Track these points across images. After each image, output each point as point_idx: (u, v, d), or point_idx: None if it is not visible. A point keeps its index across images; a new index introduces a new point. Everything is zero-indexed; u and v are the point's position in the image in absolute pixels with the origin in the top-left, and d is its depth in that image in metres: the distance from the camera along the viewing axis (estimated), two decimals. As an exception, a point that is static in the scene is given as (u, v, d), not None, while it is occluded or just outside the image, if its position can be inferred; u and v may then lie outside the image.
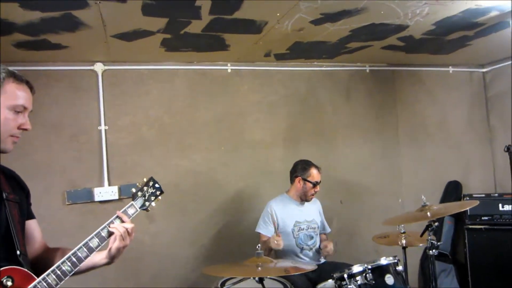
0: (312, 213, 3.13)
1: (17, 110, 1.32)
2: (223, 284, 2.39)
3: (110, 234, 1.49)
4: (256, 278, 2.22)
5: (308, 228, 3.05)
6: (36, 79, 2.96)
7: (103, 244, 1.48)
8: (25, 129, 1.35)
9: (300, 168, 3.05)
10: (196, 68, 3.45)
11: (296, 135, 3.72)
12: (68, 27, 2.47)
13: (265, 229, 2.95)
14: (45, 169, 3.00)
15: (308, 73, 3.80)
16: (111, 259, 1.51)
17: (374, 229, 3.15)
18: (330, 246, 2.99)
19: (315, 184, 3.00)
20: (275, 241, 2.70)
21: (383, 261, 2.38)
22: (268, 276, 2.38)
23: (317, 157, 3.18)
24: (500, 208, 3.67)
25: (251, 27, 2.68)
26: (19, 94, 1.32)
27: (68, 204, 3.05)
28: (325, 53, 3.49)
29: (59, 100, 3.10)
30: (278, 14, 2.50)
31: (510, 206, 3.57)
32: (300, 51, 3.34)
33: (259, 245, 2.34)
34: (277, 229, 2.93)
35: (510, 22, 2.75)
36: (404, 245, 2.84)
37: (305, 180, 3.00)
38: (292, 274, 2.47)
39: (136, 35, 2.69)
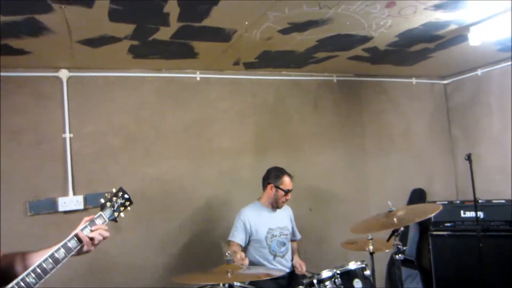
0: (284, 219, 3.14)
1: None
2: None
3: (80, 241, 1.47)
4: (226, 285, 2.22)
5: (280, 234, 3.06)
6: (1, 86, 2.88)
7: (69, 256, 1.44)
8: None
9: (273, 175, 3.06)
10: (164, 75, 3.42)
11: (265, 143, 3.74)
12: (31, 32, 2.40)
13: (236, 237, 2.93)
14: (6, 178, 2.88)
15: (276, 82, 3.85)
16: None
17: (342, 236, 3.19)
18: (303, 268, 3.01)
19: (287, 192, 3.02)
20: (240, 261, 2.67)
21: (352, 265, 2.43)
22: (239, 283, 2.38)
23: (285, 165, 3.19)
24: (462, 215, 3.80)
25: (220, 35, 2.69)
26: None
27: (30, 215, 2.92)
28: (293, 62, 3.55)
29: (21, 107, 2.99)
30: (246, 23, 2.53)
31: (471, 212, 3.69)
32: (269, 60, 3.38)
33: (229, 252, 2.33)
34: (249, 242, 2.94)
35: (468, 36, 2.88)
36: (371, 250, 2.90)
37: (277, 187, 3.02)
38: (262, 279, 2.48)
39: (103, 41, 2.64)
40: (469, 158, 3.39)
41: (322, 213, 3.89)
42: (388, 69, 4.02)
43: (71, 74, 3.12)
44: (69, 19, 2.26)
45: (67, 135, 3.08)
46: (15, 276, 1.33)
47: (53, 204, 2.99)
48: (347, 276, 2.38)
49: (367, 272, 2.44)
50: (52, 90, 3.08)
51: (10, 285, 1.29)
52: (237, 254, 2.74)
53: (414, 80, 4.48)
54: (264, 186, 3.11)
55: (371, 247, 2.89)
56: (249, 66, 3.55)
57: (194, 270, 2.82)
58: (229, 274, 2.15)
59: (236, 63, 3.43)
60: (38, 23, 2.28)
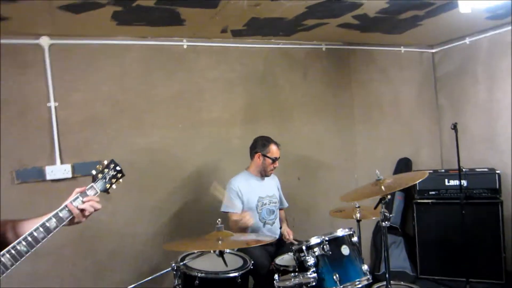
0: (272, 188, 3.19)
1: None
2: (182, 259, 2.39)
3: (71, 212, 1.48)
4: (217, 252, 2.25)
5: (270, 202, 3.11)
6: None
7: (61, 226, 1.45)
8: None
9: (260, 144, 3.08)
10: (150, 43, 3.34)
11: (254, 112, 3.72)
12: (9, -3, 2.30)
13: (233, 207, 2.95)
14: None
15: (265, 50, 3.79)
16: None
17: (330, 204, 3.26)
18: (291, 236, 3.07)
19: (274, 160, 3.04)
20: (246, 219, 2.74)
21: (340, 232, 2.45)
22: (228, 250, 2.41)
23: (274, 135, 3.21)
24: (446, 183, 3.89)
25: (207, 0, 2.62)
26: None
27: (17, 184, 2.89)
28: (281, 30, 3.48)
29: (3, 76, 2.88)
30: (234, -13, 2.46)
31: (455, 181, 3.78)
32: (257, 27, 3.31)
33: (219, 219, 2.35)
34: (242, 207, 2.98)
35: (458, 2, 2.85)
36: (358, 218, 2.97)
37: (264, 156, 3.04)
38: (252, 246, 2.52)
39: (85, 6, 2.54)
40: (455, 127, 3.43)
41: (311, 182, 3.94)
42: (377, 37, 3.98)
43: (53, 41, 3.01)
44: (48, -18, 2.17)
45: (52, 103, 3.00)
46: (6, 244, 1.33)
47: (41, 172, 2.95)
48: (335, 242, 2.41)
49: (354, 239, 2.49)
50: (34, 58, 2.98)
51: (2, 252, 1.30)
52: (244, 214, 2.80)
53: (402, 49, 4.46)
54: (252, 155, 3.12)
55: (358, 215, 2.97)
56: (237, 34, 3.48)
57: (185, 238, 2.85)
58: (219, 242, 2.18)
59: (224, 31, 3.35)
60: (16, -13, 2.18)
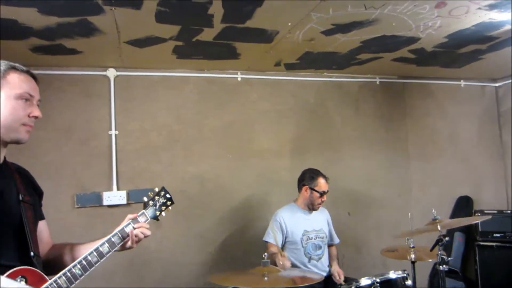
0: (320, 222, 3.10)
1: (24, 98, 1.33)
2: None
3: (123, 238, 1.53)
4: None
5: (316, 237, 3.02)
6: (50, 84, 3.05)
7: (113, 251, 1.50)
8: (36, 117, 1.36)
9: (308, 177, 3.04)
10: (206, 75, 3.48)
11: (304, 145, 3.71)
12: (83, 33, 2.52)
13: (273, 238, 2.91)
14: (55, 172, 3.03)
15: (318, 83, 3.80)
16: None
17: (382, 242, 3.12)
18: (342, 277, 2.94)
19: (322, 194, 2.99)
20: (281, 262, 2.63)
21: (392, 275, 2.37)
22: None
23: (324, 168, 3.15)
24: (513, 225, 3.61)
25: (262, 36, 2.70)
26: (22, 83, 1.34)
27: (77, 208, 3.06)
28: (335, 63, 3.50)
29: (71, 104, 3.14)
30: (289, 24, 2.52)
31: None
32: (310, 61, 3.35)
33: (266, 254, 2.32)
34: (284, 244, 2.92)
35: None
36: (413, 259, 2.79)
37: (312, 189, 2.99)
38: (300, 285, 2.44)
39: (149, 41, 2.73)
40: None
41: (361, 218, 3.81)
42: (434, 71, 3.87)
43: (118, 73, 3.25)
44: (118, 20, 2.35)
45: (113, 132, 3.20)
46: (63, 266, 1.39)
47: (99, 198, 3.11)
48: (387, 285, 2.31)
49: (409, 282, 2.36)
50: (100, 89, 3.21)
51: (59, 274, 1.34)
52: (279, 254, 2.71)
53: (462, 83, 4.28)
54: (299, 188, 3.09)
55: (413, 256, 2.79)
56: (290, 67, 3.54)
57: (230, 270, 2.85)
58: (265, 277, 2.14)
59: (278, 64, 3.43)
60: (90, 24, 2.39)
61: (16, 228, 1.32)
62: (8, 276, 1.23)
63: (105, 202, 3.11)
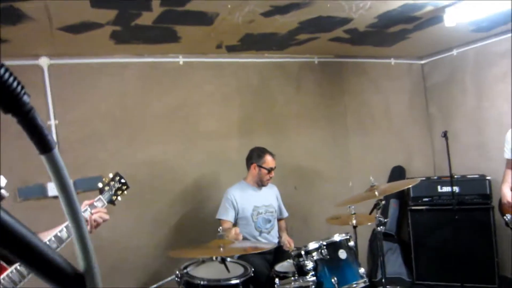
0: (269, 197, 3.25)
1: None
2: (185, 268, 2.44)
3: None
4: (219, 258, 2.34)
5: (266, 212, 3.17)
6: None
7: (72, 237, 1.48)
8: None
9: (255, 155, 3.17)
10: (147, 60, 3.42)
11: (250, 125, 3.80)
12: (10, 20, 2.35)
13: (226, 215, 3.03)
14: None
15: (260, 64, 3.89)
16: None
17: (326, 212, 3.32)
18: (292, 245, 3.13)
19: (269, 170, 3.12)
20: (235, 236, 2.78)
21: (337, 237, 2.54)
22: (229, 259, 2.50)
23: (271, 146, 3.30)
24: (439, 190, 3.97)
25: (203, 18, 2.71)
26: None
27: (20, 201, 2.95)
28: (275, 44, 3.59)
29: (2, 96, 2.95)
30: (229, 6, 2.55)
31: (448, 187, 3.85)
32: (251, 42, 3.41)
33: (221, 227, 2.43)
34: (236, 220, 3.04)
35: (443, 17, 2.97)
36: (354, 224, 3.03)
37: (260, 166, 3.12)
38: (250, 253, 2.58)
39: (84, 27, 2.62)
40: (445, 135, 3.52)
41: (307, 191, 4.01)
42: (368, 50, 4.10)
43: (52, 61, 3.09)
44: (49, 6, 2.24)
45: (52, 122, 3.07)
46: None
47: (42, 189, 3.01)
48: (333, 247, 2.49)
49: (351, 243, 2.57)
50: (34, 79, 3.04)
51: (10, 269, 1.34)
52: (231, 230, 2.85)
53: (393, 61, 4.59)
54: (248, 166, 3.21)
55: (354, 221, 3.03)
56: (232, 49, 3.58)
57: (186, 247, 2.89)
58: (221, 249, 2.26)
59: (219, 46, 3.45)
60: (17, 11, 2.24)
61: None
62: None
63: (50, 193, 3.01)
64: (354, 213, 3.06)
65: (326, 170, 4.14)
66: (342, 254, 2.49)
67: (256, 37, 3.27)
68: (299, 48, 3.73)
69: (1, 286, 1.28)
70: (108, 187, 1.74)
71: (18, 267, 1.34)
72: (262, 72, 3.90)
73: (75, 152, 3.13)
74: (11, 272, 1.32)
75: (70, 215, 0.51)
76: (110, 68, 3.30)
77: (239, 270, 2.51)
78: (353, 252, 2.55)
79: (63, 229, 1.50)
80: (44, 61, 3.07)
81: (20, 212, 2.88)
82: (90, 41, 2.90)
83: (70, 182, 0.52)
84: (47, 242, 1.44)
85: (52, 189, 3.01)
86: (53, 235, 1.46)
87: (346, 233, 2.59)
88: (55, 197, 3.00)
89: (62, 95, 3.12)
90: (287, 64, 4.02)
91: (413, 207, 4.04)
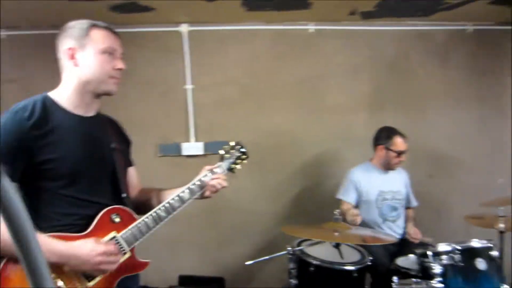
0: (397, 183, 2.96)
1: (108, 51, 1.43)
2: (299, 244, 2.41)
3: (202, 187, 1.61)
4: (333, 243, 2.26)
5: (392, 198, 2.90)
6: (131, 40, 3.17)
7: (193, 198, 1.59)
8: (120, 69, 1.46)
9: (383, 136, 2.90)
10: (276, 28, 3.36)
11: (382, 101, 3.47)
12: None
13: (347, 196, 2.87)
14: (140, 123, 3.19)
15: (398, 33, 3.47)
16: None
17: (466, 209, 2.85)
18: (419, 235, 2.86)
19: (399, 153, 2.81)
20: (352, 218, 2.65)
21: (475, 243, 2.18)
22: (346, 243, 2.37)
23: (404, 126, 2.96)
24: None
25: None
26: (105, 39, 1.43)
27: (159, 156, 3.30)
28: (419, 9, 3.14)
29: (151, 60, 3.29)
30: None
31: None
32: (390, 8, 3.06)
33: (338, 210, 2.30)
34: (358, 203, 2.87)
35: None
36: (501, 229, 2.52)
37: (388, 149, 2.84)
38: (370, 244, 2.38)
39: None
40: None
41: (444, 181, 3.52)
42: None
43: (190, 28, 3.28)
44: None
45: (189, 86, 3.30)
46: (151, 208, 1.51)
47: (178, 148, 3.31)
48: (469, 254, 2.13)
49: (494, 253, 2.16)
50: (174, 44, 3.29)
51: (146, 215, 1.48)
52: (350, 210, 2.72)
53: None
54: (375, 147, 2.95)
55: (501, 225, 2.52)
56: (367, 16, 3.26)
57: (301, 223, 2.90)
58: (336, 234, 2.15)
59: (353, 13, 3.18)
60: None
61: (109, 172, 1.48)
62: (105, 213, 1.41)
63: (184, 152, 3.30)
64: (504, 216, 2.54)
65: (470, 159, 3.54)
66: (481, 264, 2.11)
67: (395, 2, 2.90)
68: (449, 13, 3.20)
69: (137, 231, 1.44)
70: (228, 155, 1.76)
71: (146, 219, 1.47)
72: (400, 41, 3.49)
73: (207, 116, 3.34)
74: (140, 222, 1.46)
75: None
76: (241, 35, 3.36)
77: (356, 256, 2.36)
78: (495, 263, 2.14)
79: (185, 190, 1.57)
80: (184, 28, 3.28)
81: (159, 166, 3.30)
82: (223, 9, 2.97)
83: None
84: (171, 200, 1.53)
85: (186, 148, 3.31)
86: (176, 194, 1.55)
87: (489, 240, 2.16)
88: (188, 156, 3.32)
89: (198, 61, 3.31)
90: (432, 33, 3.50)
91: None
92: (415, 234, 2.85)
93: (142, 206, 1.60)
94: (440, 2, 2.94)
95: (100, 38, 1.41)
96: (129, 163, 1.68)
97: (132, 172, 1.68)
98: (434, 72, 3.52)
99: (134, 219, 1.46)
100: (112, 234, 1.39)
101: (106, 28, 1.45)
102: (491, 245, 2.18)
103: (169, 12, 3.04)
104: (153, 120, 3.29)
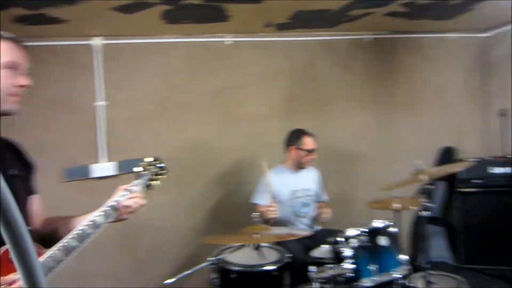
0: (308, 181, 3.18)
1: (10, 66, 1.28)
2: (221, 253, 2.45)
3: (117, 209, 1.48)
4: (254, 246, 2.32)
5: (304, 195, 3.11)
6: (36, 55, 2.89)
7: (107, 222, 1.45)
8: (23, 86, 1.30)
9: (293, 137, 3.09)
10: (194, 40, 3.38)
11: (294, 107, 3.69)
12: (68, 0, 2.43)
13: (261, 200, 2.99)
14: (43, 146, 2.92)
15: (309, 43, 3.72)
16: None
17: (369, 197, 3.21)
18: (327, 211, 3.08)
19: (309, 152, 3.04)
20: (271, 209, 2.77)
21: (377, 223, 2.46)
22: (265, 244, 2.48)
23: (314, 128, 3.19)
24: (492, 171, 3.72)
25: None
26: (8, 51, 1.28)
27: (65, 181, 3.04)
28: (326, 21, 3.41)
29: (56, 77, 3.05)
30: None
31: (501, 168, 3.65)
32: (302, 20, 3.27)
33: (256, 213, 2.41)
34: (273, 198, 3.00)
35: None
36: (397, 208, 2.90)
37: (298, 148, 3.04)
38: (288, 239, 2.56)
39: (137, 6, 2.64)
40: (503, 113, 3.25)
41: (349, 174, 3.89)
42: (426, 24, 3.78)
43: (104, 41, 3.13)
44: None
45: (101, 102, 3.13)
46: (58, 239, 1.33)
47: (86, 170, 3.07)
48: (373, 234, 2.41)
49: (393, 229, 2.47)
50: (86, 59, 3.11)
51: (55, 246, 1.29)
52: (266, 208, 2.80)
53: (452, 35, 4.22)
54: (287, 149, 3.13)
55: (397, 205, 2.92)
56: (282, 27, 3.45)
57: (222, 232, 2.91)
58: (256, 235, 2.23)
59: (268, 25, 3.34)
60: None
61: None
62: (5, 252, 1.20)
63: (94, 174, 3.08)
64: (397, 197, 2.95)
65: (371, 153, 3.96)
66: (383, 241, 2.41)
67: (307, 14, 3.11)
68: (350, 24, 3.53)
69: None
70: (145, 172, 1.65)
71: (55, 252, 1.27)
72: (311, 51, 3.74)
73: (120, 134, 3.19)
74: (49, 256, 1.25)
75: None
76: (158, 49, 3.31)
77: (275, 255, 2.47)
78: (394, 239, 2.46)
79: (99, 215, 1.42)
80: (97, 42, 3.12)
81: (65, 192, 3.05)
82: (142, 21, 2.93)
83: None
84: (83, 227, 1.36)
85: (97, 170, 3.09)
86: (89, 220, 1.40)
87: (388, 219, 2.50)
88: (100, 178, 3.11)
89: (113, 76, 3.17)
90: (336, 42, 3.82)
91: (463, 189, 3.85)
92: (325, 212, 3.08)
93: (49, 237, 1.40)
94: (344, 14, 3.23)
95: (2, 51, 1.25)
96: (31, 191, 1.45)
97: (35, 200, 1.47)
98: (339, 78, 3.84)
99: (41, 254, 1.25)
100: (13, 275, 1.16)
101: (10, 39, 1.29)
102: (391, 223, 2.49)
103: (82, 24, 2.91)
104: (59, 142, 3.03)
